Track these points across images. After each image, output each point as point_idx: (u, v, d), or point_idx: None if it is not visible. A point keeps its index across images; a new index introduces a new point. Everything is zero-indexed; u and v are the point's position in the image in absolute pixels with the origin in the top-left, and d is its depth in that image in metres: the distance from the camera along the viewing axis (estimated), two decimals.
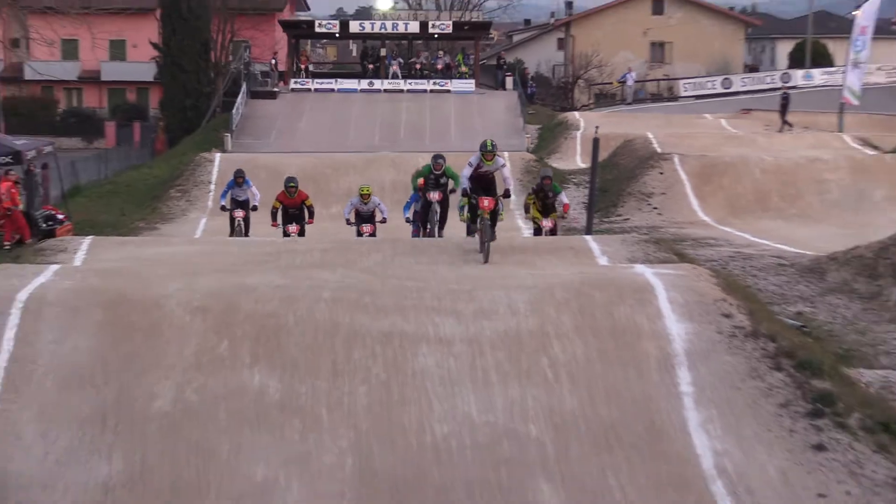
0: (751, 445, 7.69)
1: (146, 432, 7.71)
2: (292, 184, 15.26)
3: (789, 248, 17.45)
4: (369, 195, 14.96)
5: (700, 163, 23.41)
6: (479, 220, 11.70)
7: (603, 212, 21.82)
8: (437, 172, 14.38)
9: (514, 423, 7.84)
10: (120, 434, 7.69)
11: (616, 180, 24.12)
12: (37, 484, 7.32)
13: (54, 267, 10.69)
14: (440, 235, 14.52)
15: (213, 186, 24.14)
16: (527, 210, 14.96)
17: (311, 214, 15.52)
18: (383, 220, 15.28)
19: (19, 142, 19.27)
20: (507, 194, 11.83)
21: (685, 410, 7.99)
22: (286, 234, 15.08)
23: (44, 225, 17.18)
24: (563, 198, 14.76)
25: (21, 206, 16.69)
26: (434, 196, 14.22)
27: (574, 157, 29.75)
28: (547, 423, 7.87)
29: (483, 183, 11.84)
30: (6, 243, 16.06)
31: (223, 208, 16.94)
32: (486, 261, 11.27)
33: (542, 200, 14.54)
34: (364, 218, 15.13)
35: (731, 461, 7.54)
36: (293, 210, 15.35)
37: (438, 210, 14.47)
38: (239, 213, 16.44)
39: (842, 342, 11.49)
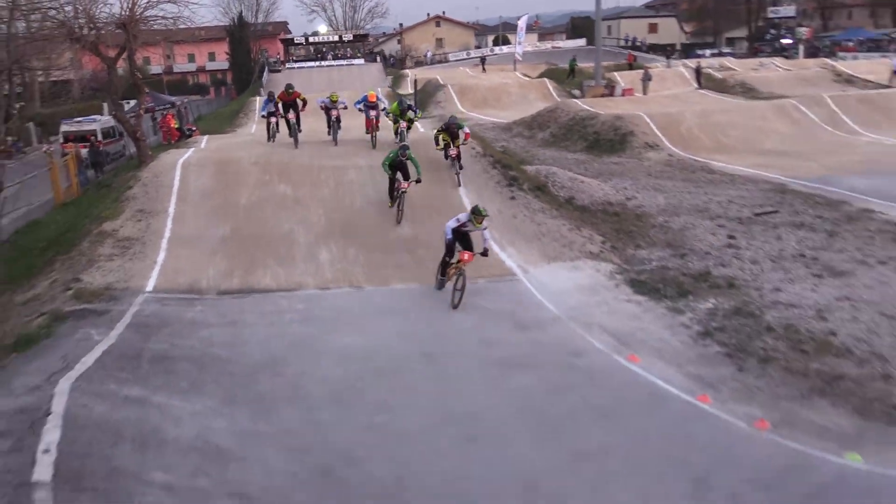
0: (486, 199, 16.32)
1: (238, 214, 16.44)
2: (291, 88, 20.05)
3: (498, 119, 29.73)
4: (337, 99, 19.88)
5: (459, 86, 39.58)
6: (454, 272, 12.15)
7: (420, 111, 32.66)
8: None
9: (384, 196, 16.63)
10: (227, 216, 16.38)
11: (425, 96, 38.24)
12: (195, 235, 15.99)
13: (192, 149, 19.96)
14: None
15: (256, 112, 36.12)
16: (437, 141, 17.02)
17: (305, 104, 19.86)
18: (344, 107, 20.21)
19: (173, 98, 37.49)
20: (485, 253, 12.17)
21: (459, 189, 16.80)
22: (286, 120, 19.63)
23: (187, 133, 28.32)
24: (466, 129, 17.35)
25: (175, 125, 28.20)
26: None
27: (407, 88, 45.22)
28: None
29: (463, 239, 12.25)
30: (172, 141, 26.25)
31: (263, 117, 22.92)
32: (456, 306, 11.88)
33: (451, 134, 16.79)
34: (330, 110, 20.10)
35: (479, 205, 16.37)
36: (290, 103, 19.76)
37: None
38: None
39: (520, 155, 20.84)
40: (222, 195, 16.51)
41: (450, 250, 12.34)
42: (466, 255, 12.08)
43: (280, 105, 20.29)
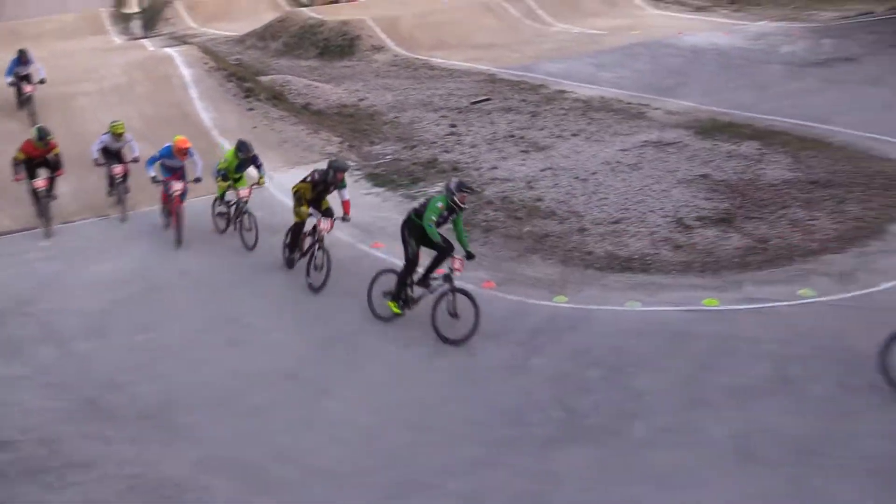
0: (225, 113, 15.49)
1: None
2: (48, 136, 10.88)
3: (230, 33, 27.29)
4: (122, 132, 11.35)
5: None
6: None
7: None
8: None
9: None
10: None
11: (152, 14, 32.11)
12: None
13: None
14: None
15: None
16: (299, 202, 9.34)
17: (60, 165, 11.08)
18: (135, 160, 11.39)
19: None
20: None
21: (195, 103, 15.70)
22: (35, 190, 11.03)
23: None
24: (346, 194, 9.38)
25: None
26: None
27: (133, 6, 37.36)
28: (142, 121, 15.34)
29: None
30: None
31: None
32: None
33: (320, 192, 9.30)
34: (112, 154, 11.41)
35: (218, 120, 15.17)
36: (39, 161, 11.04)
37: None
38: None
39: (255, 67, 20.14)
40: None
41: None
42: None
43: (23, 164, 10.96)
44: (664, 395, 7.16)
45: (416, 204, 9.36)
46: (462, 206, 8.29)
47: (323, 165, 9.72)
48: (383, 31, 23.74)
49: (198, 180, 10.86)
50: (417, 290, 8.55)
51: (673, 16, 26.47)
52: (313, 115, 16.10)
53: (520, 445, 6.74)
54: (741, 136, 13.56)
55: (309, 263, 9.35)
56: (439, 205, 8.17)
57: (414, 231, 8.33)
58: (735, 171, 11.98)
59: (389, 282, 8.59)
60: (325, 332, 8.49)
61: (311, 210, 9.21)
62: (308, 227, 9.56)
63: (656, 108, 15.62)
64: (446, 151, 13.79)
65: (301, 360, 8.06)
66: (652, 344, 7.88)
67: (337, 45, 23.35)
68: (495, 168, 12.81)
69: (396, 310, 8.55)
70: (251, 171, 10.79)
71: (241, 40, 25.85)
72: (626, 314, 8.51)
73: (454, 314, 8.16)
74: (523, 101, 16.64)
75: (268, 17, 28.61)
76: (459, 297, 8.11)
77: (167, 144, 10.85)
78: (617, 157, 12.82)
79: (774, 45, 20.05)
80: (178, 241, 10.67)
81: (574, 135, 14.18)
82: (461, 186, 8.23)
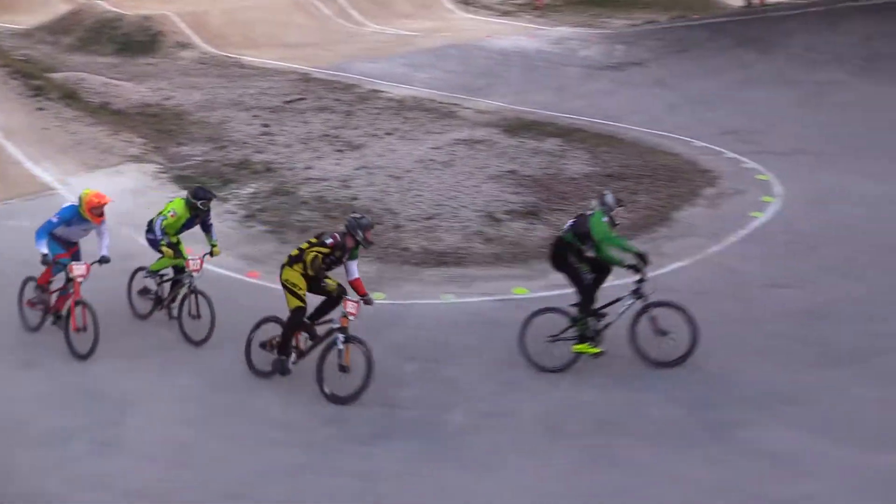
0: (8, 113, 13.86)
1: None
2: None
3: (14, 26, 24.35)
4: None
5: None
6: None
7: None
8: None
9: None
10: None
11: None
12: None
13: None
14: None
15: None
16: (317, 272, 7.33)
17: None
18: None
19: None
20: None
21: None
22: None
23: None
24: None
25: None
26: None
27: None
28: None
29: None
30: None
31: None
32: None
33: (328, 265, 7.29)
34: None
35: (1, 121, 13.70)
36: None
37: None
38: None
39: (45, 63, 18.67)
40: None
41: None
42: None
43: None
44: (479, 383, 7.42)
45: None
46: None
47: (125, 166, 9.00)
48: (189, 28, 22.63)
49: (103, 260, 7.65)
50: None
51: (481, 20, 27.49)
52: (113, 114, 15.03)
53: (340, 445, 6.69)
54: (545, 133, 14.33)
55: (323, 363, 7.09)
56: (605, 220, 7.24)
57: (575, 254, 7.26)
58: (540, 166, 12.64)
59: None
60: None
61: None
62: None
63: (467, 108, 16.14)
64: (259, 152, 13.42)
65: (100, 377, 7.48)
66: (467, 334, 8.14)
67: (139, 41, 21.93)
68: (310, 168, 12.64)
69: (594, 350, 7.33)
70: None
71: (28, 34, 23.40)
72: (441, 307, 8.72)
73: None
74: (337, 100, 16.55)
75: (60, 9, 26.22)
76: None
77: (69, 204, 7.83)
78: (430, 155, 13.09)
79: (573, 49, 21.36)
80: (88, 353, 7.51)
81: (388, 134, 14.31)
82: (618, 201, 7.34)
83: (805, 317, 8.21)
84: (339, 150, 13.43)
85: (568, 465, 6.38)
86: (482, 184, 11.89)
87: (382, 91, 17.29)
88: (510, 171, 12.43)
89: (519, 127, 14.74)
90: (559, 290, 8.79)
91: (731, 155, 13.30)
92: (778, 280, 9.01)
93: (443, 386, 7.39)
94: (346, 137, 14.10)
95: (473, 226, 10.58)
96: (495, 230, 10.47)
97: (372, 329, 8.18)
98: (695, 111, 15.61)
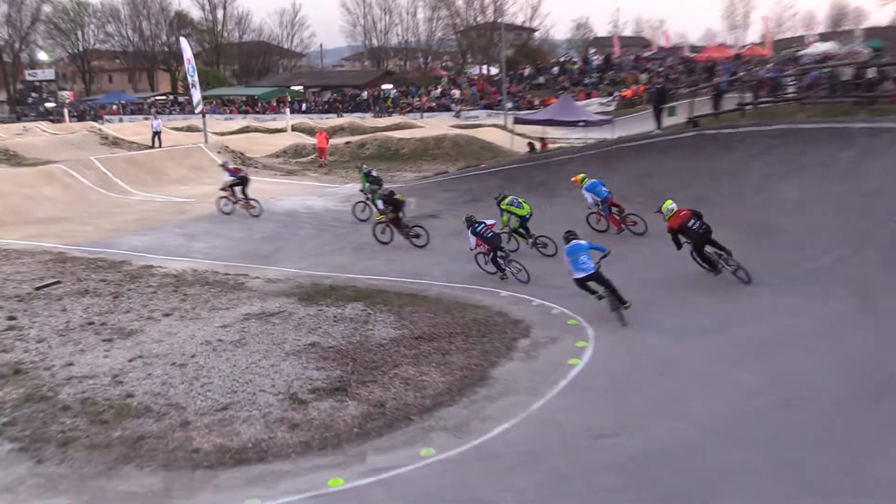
0: None
1: None
2: None
3: None
4: None
5: None
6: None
7: None
8: None
9: None
10: None
11: None
12: None
13: None
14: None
15: None
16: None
17: None
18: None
19: None
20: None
21: None
22: None
23: None
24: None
25: None
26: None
27: None
28: None
29: None
30: None
31: None
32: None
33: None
34: None
35: None
36: None
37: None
38: None
39: None
40: None
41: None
42: None
43: None
44: None
45: None
46: None
47: None
48: None
49: None
50: None
51: (264, 180, 27.88)
52: None
53: None
54: (345, 298, 14.37)
55: None
56: None
57: None
58: (343, 335, 12.54)
59: None
60: None
61: None
62: None
63: (255, 277, 15.90)
64: (4, 350, 12.13)
65: None
66: None
67: None
68: (71, 365, 11.58)
69: None
70: None
71: None
72: None
73: None
74: (102, 280, 15.63)
75: None
76: None
77: None
78: (218, 335, 12.57)
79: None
80: None
81: (166, 315, 13.62)
82: None
83: (634, 464, 8.50)
84: (107, 340, 12.49)
85: None
86: (281, 362, 11.51)
87: (157, 266, 16.65)
88: (311, 343, 12.19)
89: (316, 293, 14.68)
90: (380, 474, 8.51)
91: (539, 301, 14.04)
92: (604, 429, 9.34)
93: None
94: (116, 323, 13.21)
95: (275, 412, 10.08)
96: (301, 413, 10.04)
97: None
98: None
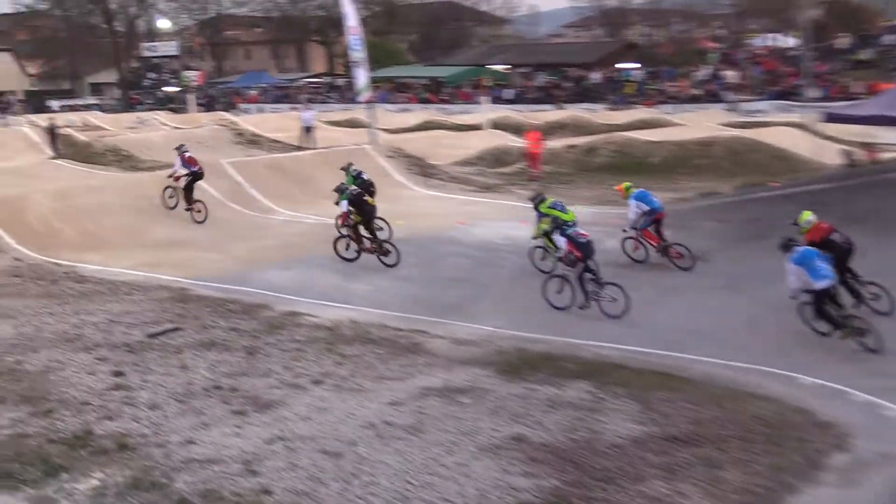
0: None
1: None
2: None
3: None
4: None
5: None
6: None
7: None
8: None
9: None
10: None
11: None
12: None
13: None
14: None
15: None
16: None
17: None
18: None
19: None
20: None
21: None
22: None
23: None
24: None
25: None
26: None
27: None
28: None
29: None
30: None
31: None
32: None
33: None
34: None
35: None
36: None
37: None
38: None
39: None
40: None
41: None
42: None
43: None
44: None
45: None
46: None
47: None
48: None
49: None
50: None
51: (451, 197, 28.63)
52: None
53: None
54: (564, 373, 14.38)
55: None
56: None
57: None
58: (561, 427, 12.52)
59: None
60: None
61: None
62: None
63: (438, 336, 16.26)
64: (108, 417, 13.15)
65: None
66: None
67: None
68: (191, 443, 12.34)
69: None
70: None
71: None
72: None
73: None
74: (233, 329, 16.61)
75: None
76: None
77: None
78: (386, 416, 12.94)
79: (595, 238, 22.12)
80: None
81: (317, 382, 14.23)
82: None
83: None
84: (238, 412, 13.22)
85: None
86: (472, 460, 11.66)
87: (304, 314, 17.45)
88: (515, 437, 12.27)
89: (522, 364, 14.79)
90: None
91: (863, 397, 13.39)
92: None
93: None
94: (250, 390, 13.95)
95: None
96: None
97: None
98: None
